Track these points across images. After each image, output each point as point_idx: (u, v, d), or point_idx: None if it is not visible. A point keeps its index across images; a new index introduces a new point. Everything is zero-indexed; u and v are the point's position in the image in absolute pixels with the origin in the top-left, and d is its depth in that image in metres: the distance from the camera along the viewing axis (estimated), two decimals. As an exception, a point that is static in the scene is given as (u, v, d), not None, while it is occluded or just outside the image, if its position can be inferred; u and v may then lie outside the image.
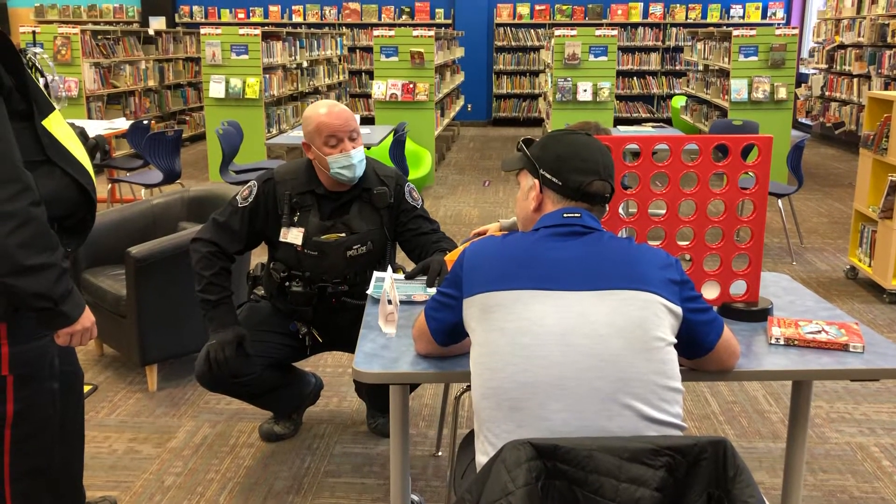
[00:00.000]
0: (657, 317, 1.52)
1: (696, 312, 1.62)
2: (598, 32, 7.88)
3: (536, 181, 1.69)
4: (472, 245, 1.67)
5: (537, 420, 1.46)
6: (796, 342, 1.93)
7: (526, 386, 1.47)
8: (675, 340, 1.56)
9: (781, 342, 1.94)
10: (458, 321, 1.64)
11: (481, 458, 1.50)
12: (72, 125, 2.04)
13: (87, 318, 1.89)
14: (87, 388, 3.41)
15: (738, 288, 2.20)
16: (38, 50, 1.92)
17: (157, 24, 12.70)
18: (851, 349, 1.90)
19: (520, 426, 1.46)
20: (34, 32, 7.94)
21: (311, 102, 10.13)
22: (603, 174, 1.66)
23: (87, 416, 3.05)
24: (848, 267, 5.15)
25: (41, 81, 1.96)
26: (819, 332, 1.96)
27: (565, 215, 1.63)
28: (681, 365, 1.62)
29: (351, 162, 2.55)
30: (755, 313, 2.12)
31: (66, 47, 8.13)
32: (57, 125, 1.91)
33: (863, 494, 2.70)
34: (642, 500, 1.30)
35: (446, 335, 1.73)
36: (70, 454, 2.22)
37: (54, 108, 1.92)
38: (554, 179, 1.66)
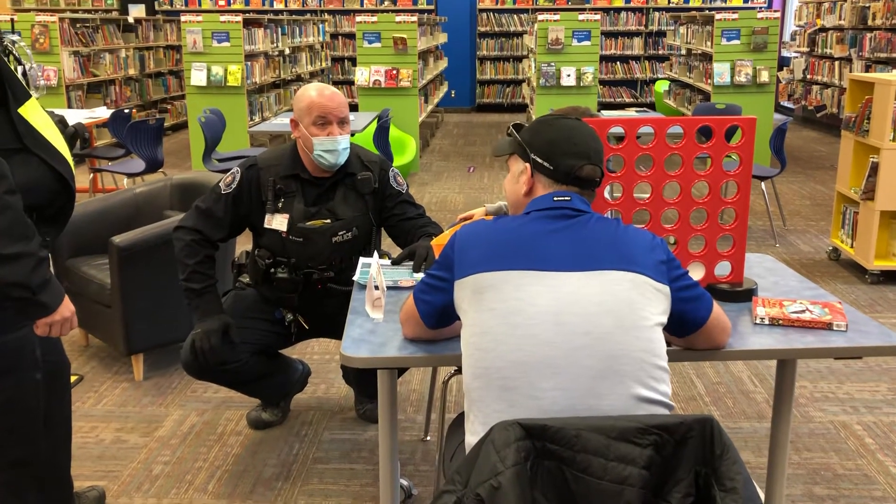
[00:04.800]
0: (645, 297, 1.54)
1: (684, 290, 1.64)
2: (581, 17, 7.86)
3: (527, 165, 1.70)
4: (463, 228, 1.68)
5: (528, 399, 1.47)
6: (781, 322, 1.95)
7: (517, 365, 1.48)
8: (664, 320, 1.58)
9: (766, 322, 1.96)
10: (449, 303, 1.65)
11: (471, 439, 1.51)
12: (50, 113, 2.02)
13: (67, 307, 1.87)
14: (73, 379, 3.38)
15: (723, 269, 2.21)
16: (15, 37, 1.89)
17: (137, 11, 12.55)
18: (835, 328, 1.92)
19: (511, 405, 1.47)
20: (12, 20, 7.83)
21: (295, 90, 10.08)
22: (593, 159, 1.68)
23: (73, 407, 3.03)
24: (830, 248, 5.20)
25: (19, 69, 1.93)
26: (803, 311, 1.98)
27: (556, 199, 1.65)
28: (670, 345, 1.63)
29: (335, 147, 2.54)
30: (740, 294, 2.14)
31: (44, 36, 8.03)
32: (34, 113, 1.88)
33: (846, 472, 2.73)
34: (630, 479, 1.31)
35: (436, 318, 1.74)
36: (57, 444, 2.21)
37: (31, 96, 1.89)
38: (545, 164, 1.67)
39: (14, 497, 1.97)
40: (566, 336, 1.48)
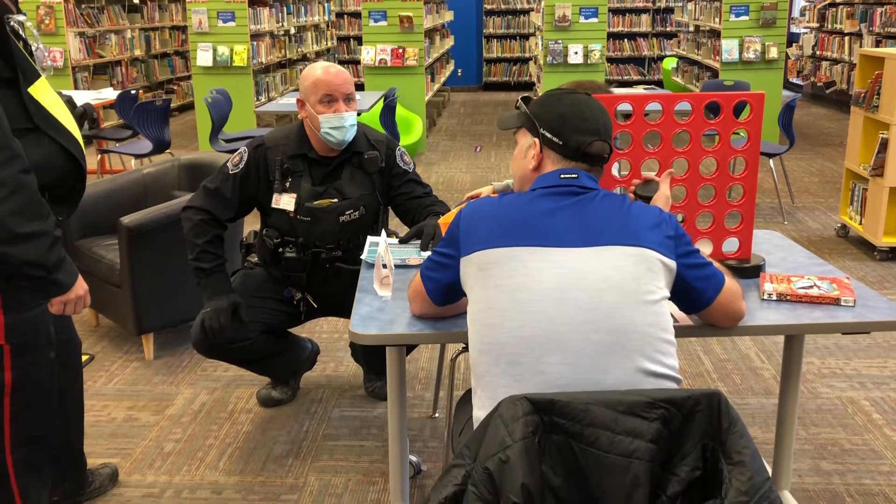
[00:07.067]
0: (651, 271, 1.54)
1: (692, 268, 1.63)
2: (588, -7, 7.79)
3: (536, 140, 1.70)
4: (468, 205, 1.68)
5: (535, 374, 1.48)
6: (788, 297, 1.95)
7: (524, 340, 1.49)
8: (668, 294, 1.58)
9: (774, 297, 1.96)
10: (455, 280, 1.66)
11: (479, 413, 1.52)
12: (59, 94, 2.02)
13: (81, 286, 1.89)
14: (84, 358, 3.41)
15: (731, 245, 2.21)
16: (21, 18, 1.89)
17: (142, -8, 12.47)
18: (843, 303, 1.92)
19: (517, 380, 1.48)
20: (18, 1, 7.81)
21: (300, 69, 10.05)
22: (603, 134, 1.67)
23: (85, 385, 3.07)
24: (839, 225, 5.18)
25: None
26: (811, 286, 1.98)
27: (562, 176, 1.64)
28: (677, 322, 1.63)
29: (342, 124, 2.54)
30: (748, 270, 2.14)
31: (49, 17, 8.01)
32: (43, 92, 1.88)
33: (853, 447, 2.74)
34: (637, 452, 1.32)
35: (443, 295, 1.75)
36: (69, 422, 2.24)
37: (40, 76, 1.90)
38: (554, 139, 1.66)
39: (29, 473, 2.00)
40: (572, 311, 1.49)
